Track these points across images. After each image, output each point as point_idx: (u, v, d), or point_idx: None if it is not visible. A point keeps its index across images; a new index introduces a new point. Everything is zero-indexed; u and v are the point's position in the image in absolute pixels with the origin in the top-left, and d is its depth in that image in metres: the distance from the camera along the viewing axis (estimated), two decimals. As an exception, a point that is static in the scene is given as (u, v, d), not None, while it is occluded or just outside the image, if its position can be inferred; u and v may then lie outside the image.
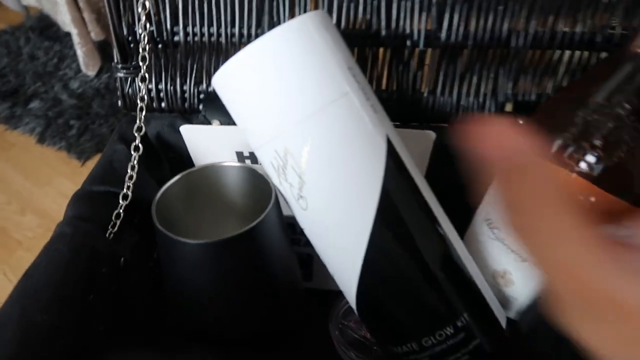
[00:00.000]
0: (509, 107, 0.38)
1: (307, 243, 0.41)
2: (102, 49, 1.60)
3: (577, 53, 0.36)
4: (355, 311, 0.30)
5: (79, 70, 1.60)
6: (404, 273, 0.27)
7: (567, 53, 0.37)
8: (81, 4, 1.44)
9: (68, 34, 1.56)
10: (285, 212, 0.32)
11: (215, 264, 0.28)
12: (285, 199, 0.28)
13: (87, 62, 1.55)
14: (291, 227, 0.40)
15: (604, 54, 0.36)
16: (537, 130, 0.32)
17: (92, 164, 0.85)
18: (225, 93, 0.28)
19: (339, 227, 0.26)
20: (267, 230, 0.29)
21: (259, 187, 0.32)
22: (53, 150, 1.40)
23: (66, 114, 1.47)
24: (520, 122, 0.37)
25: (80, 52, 1.52)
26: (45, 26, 1.78)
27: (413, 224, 0.26)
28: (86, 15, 1.47)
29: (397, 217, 0.26)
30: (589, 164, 0.28)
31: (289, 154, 0.25)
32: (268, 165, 0.27)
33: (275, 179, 0.28)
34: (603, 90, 0.28)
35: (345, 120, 0.25)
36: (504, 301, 0.33)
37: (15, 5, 1.78)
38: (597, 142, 0.27)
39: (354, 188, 0.25)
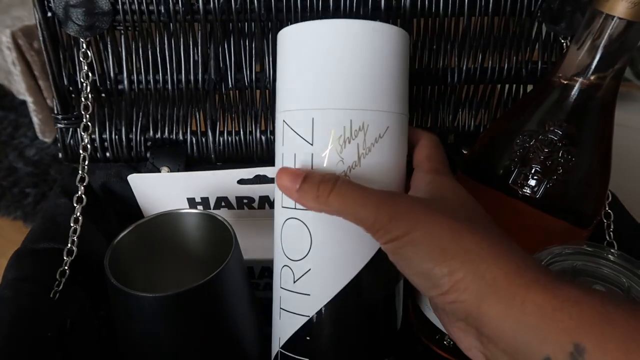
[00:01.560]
0: (451, 138, 0.40)
1: (266, 287, 0.40)
2: (59, 115, 1.59)
3: (507, 86, 0.40)
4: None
5: (35, 138, 1.57)
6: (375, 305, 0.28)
7: (498, 86, 0.40)
8: (36, 72, 1.44)
9: (23, 102, 1.55)
10: (245, 256, 0.32)
11: (174, 318, 0.27)
12: (308, 164, 0.26)
13: (43, 129, 1.53)
14: (250, 272, 0.39)
15: (529, 86, 0.39)
16: (481, 159, 0.33)
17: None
18: (307, 47, 0.26)
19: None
20: (228, 278, 0.28)
21: (218, 233, 0.31)
22: (8, 221, 1.34)
23: (22, 183, 1.43)
24: (464, 152, 0.40)
25: (36, 119, 1.51)
26: (-2, 96, 1.76)
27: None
28: (42, 83, 1.46)
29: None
30: (531, 187, 0.30)
31: (363, 130, 0.25)
32: (325, 128, 0.26)
33: (321, 144, 0.26)
34: (535, 119, 0.30)
35: (402, 135, 0.28)
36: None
37: (-33, 76, 1.71)
38: (536, 167, 0.30)
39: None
